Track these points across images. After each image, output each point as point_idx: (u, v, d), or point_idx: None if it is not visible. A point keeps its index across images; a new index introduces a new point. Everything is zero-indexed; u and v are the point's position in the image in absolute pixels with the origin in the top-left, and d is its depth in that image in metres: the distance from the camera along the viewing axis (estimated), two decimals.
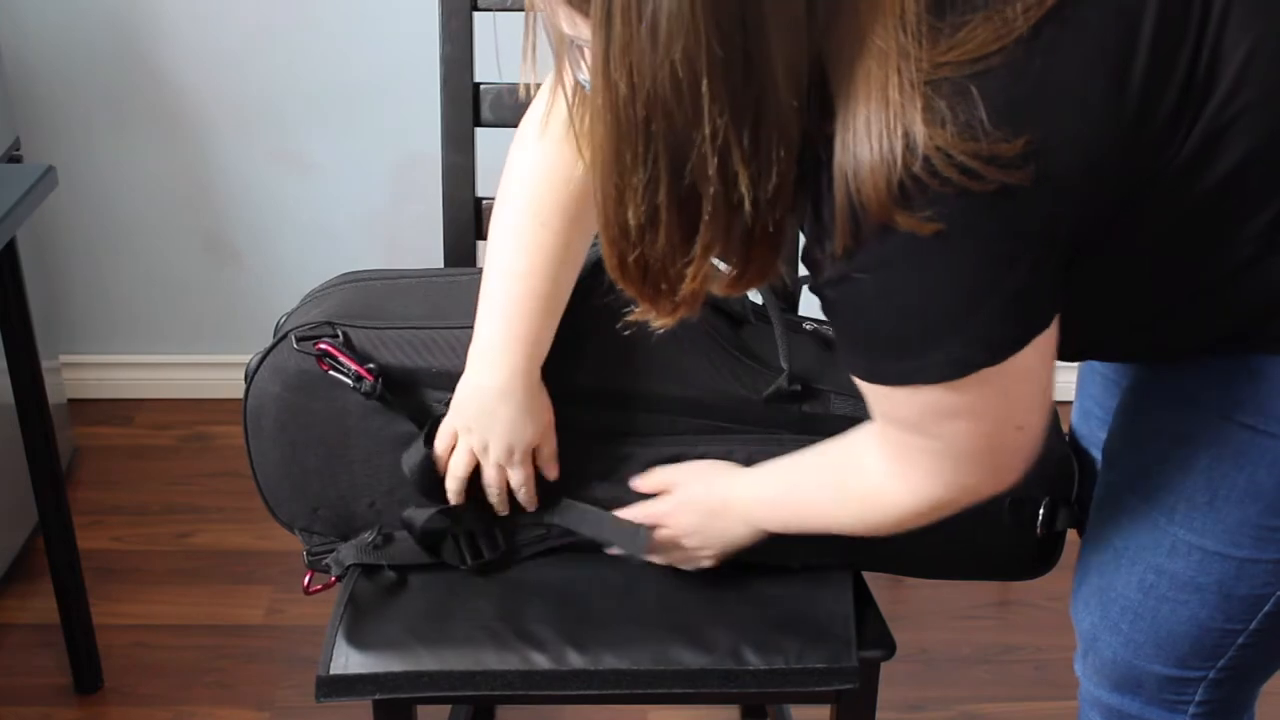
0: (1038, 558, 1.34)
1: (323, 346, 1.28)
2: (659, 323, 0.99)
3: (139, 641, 2.10)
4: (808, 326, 1.37)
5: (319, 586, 1.37)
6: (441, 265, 1.59)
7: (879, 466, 1.10)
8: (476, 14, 1.52)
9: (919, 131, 0.85)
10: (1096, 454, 1.31)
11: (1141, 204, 0.95)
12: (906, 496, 1.10)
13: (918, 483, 1.08)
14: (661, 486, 1.29)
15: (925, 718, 1.98)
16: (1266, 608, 1.13)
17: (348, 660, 1.27)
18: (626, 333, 1.03)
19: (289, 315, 1.35)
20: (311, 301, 1.37)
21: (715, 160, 0.87)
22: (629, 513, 1.30)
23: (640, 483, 1.30)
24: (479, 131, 1.55)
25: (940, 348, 0.94)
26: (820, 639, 1.28)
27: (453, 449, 1.29)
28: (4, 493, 2.12)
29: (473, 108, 1.55)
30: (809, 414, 1.31)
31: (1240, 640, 1.15)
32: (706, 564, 1.31)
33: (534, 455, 1.29)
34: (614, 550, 1.32)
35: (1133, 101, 0.90)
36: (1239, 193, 0.96)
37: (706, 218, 0.90)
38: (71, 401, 2.55)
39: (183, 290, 2.62)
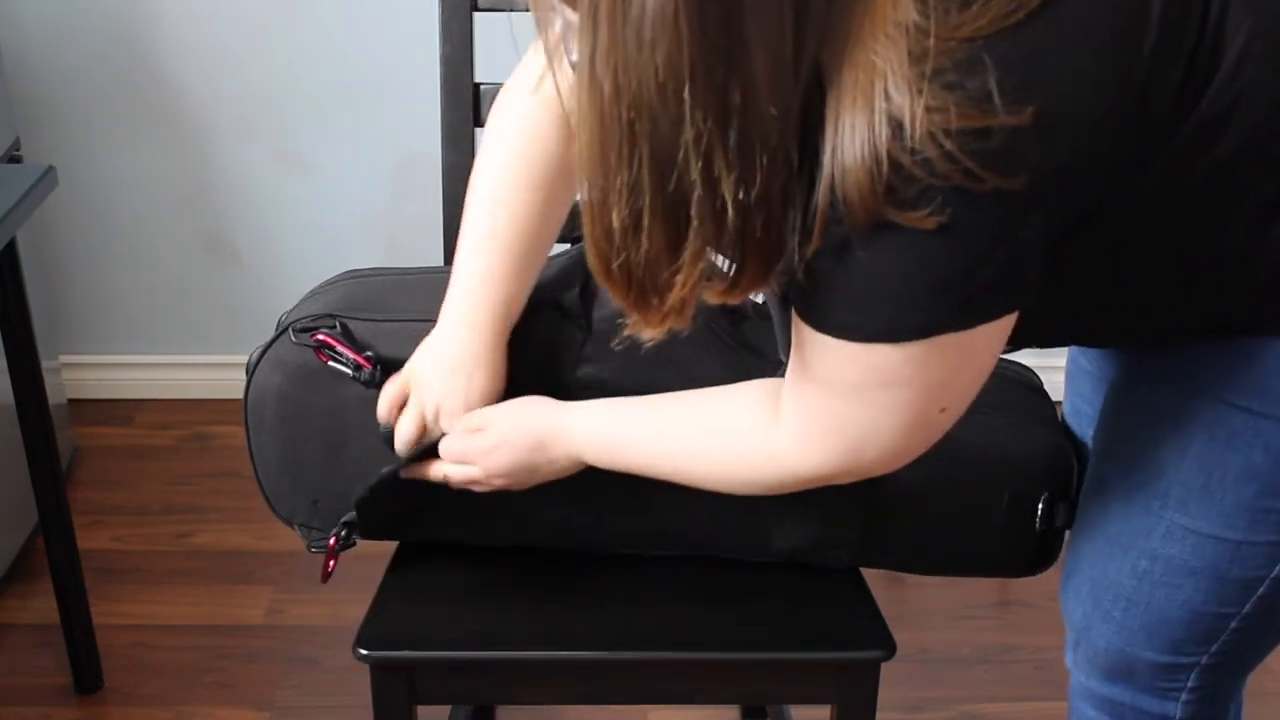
0: (1037, 555, 1.34)
1: (320, 337, 1.28)
2: (648, 334, 0.97)
3: (139, 641, 2.10)
4: None
5: (333, 564, 1.35)
6: (442, 265, 1.59)
7: (782, 430, 1.09)
8: (476, 14, 1.52)
9: (914, 121, 0.85)
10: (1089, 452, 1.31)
11: (1140, 185, 0.95)
12: (801, 462, 1.08)
13: (821, 452, 1.06)
14: (479, 424, 1.22)
15: (925, 718, 1.98)
16: (1260, 590, 1.13)
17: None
18: (619, 347, 1.01)
19: (290, 311, 1.35)
20: (313, 297, 1.37)
21: (699, 164, 0.86)
22: (444, 450, 1.23)
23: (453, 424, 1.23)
24: (479, 131, 1.55)
25: (922, 313, 0.93)
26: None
27: (399, 405, 1.25)
28: (4, 493, 2.12)
29: (473, 108, 1.55)
30: None
31: (1234, 624, 1.15)
32: (498, 484, 1.22)
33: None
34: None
35: (1143, 72, 0.90)
36: (1235, 176, 0.96)
37: (695, 223, 0.89)
38: (71, 401, 2.56)
39: (183, 290, 2.62)
